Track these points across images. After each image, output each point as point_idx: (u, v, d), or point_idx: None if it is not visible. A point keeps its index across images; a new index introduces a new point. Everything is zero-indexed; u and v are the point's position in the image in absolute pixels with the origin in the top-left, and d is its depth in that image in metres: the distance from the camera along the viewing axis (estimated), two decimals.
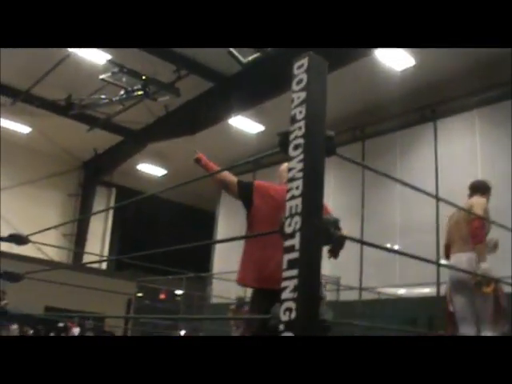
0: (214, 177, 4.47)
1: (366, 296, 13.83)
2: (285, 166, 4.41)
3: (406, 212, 14.33)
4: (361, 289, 13.79)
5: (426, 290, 13.46)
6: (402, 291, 13.52)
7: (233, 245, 15.99)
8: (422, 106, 14.53)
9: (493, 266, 5.77)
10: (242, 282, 4.34)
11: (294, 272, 1.84)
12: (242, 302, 11.01)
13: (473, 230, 5.66)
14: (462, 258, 5.63)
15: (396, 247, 13.88)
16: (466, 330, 5.65)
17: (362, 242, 5.65)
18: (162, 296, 17.24)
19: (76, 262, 20.39)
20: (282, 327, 1.83)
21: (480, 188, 6.44)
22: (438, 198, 11.51)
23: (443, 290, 12.80)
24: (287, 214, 1.92)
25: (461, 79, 13.57)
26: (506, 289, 5.69)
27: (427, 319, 11.09)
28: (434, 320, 11.14)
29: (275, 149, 2.23)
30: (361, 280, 14.62)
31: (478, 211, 5.75)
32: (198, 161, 4.57)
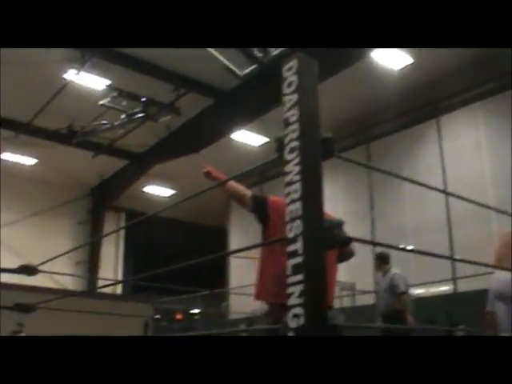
0: (227, 189, 4.41)
1: None
2: None
3: (416, 212, 14.26)
4: (376, 292, 13.67)
5: (443, 288, 13.36)
6: (418, 291, 13.41)
7: (248, 259, 15.96)
8: (424, 104, 14.50)
9: None
10: (260, 297, 4.29)
11: (299, 277, 1.80)
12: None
13: None
14: (507, 276, 6.06)
15: (409, 247, 13.79)
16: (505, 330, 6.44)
17: (374, 243, 5.61)
18: (179, 316, 17.14)
19: (90, 288, 20.34)
20: (290, 334, 1.79)
21: None
22: (446, 193, 11.45)
23: (461, 286, 12.75)
24: (288, 218, 1.88)
25: (460, 73, 13.54)
26: None
27: (446, 317, 10.99)
28: (453, 317, 11.04)
29: (273, 156, 2.19)
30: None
31: None
32: (207, 175, 4.45)
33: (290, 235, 1.85)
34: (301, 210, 1.85)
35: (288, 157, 1.96)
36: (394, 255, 12.97)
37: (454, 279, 13.03)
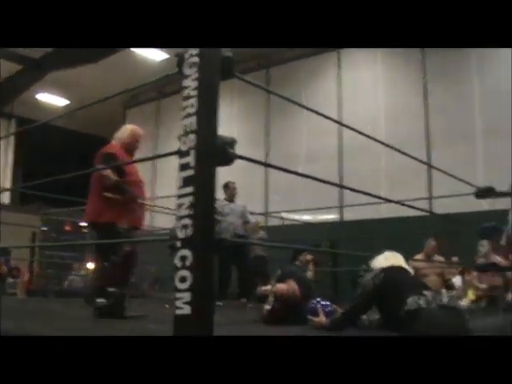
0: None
1: (272, 222, 14.04)
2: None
3: (311, 140, 14.55)
4: (266, 214, 13.97)
5: (330, 216, 13.83)
6: (306, 217, 13.81)
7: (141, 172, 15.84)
8: None
9: None
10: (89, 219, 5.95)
11: (189, 189, 1.85)
12: None
13: None
14: None
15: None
16: None
17: (267, 165, 5.74)
18: (68, 228, 16.90)
19: None
20: (178, 244, 1.84)
21: None
22: (340, 124, 11.72)
23: (347, 215, 13.24)
24: (182, 132, 1.92)
25: None
26: None
27: (330, 243, 11.43)
28: (336, 243, 11.51)
29: (174, 71, 2.20)
30: (266, 206, 14.83)
31: None
32: None
33: (184, 148, 1.89)
34: (195, 125, 1.89)
35: (186, 71, 1.98)
36: (284, 180, 13.28)
37: (340, 208, 13.51)
